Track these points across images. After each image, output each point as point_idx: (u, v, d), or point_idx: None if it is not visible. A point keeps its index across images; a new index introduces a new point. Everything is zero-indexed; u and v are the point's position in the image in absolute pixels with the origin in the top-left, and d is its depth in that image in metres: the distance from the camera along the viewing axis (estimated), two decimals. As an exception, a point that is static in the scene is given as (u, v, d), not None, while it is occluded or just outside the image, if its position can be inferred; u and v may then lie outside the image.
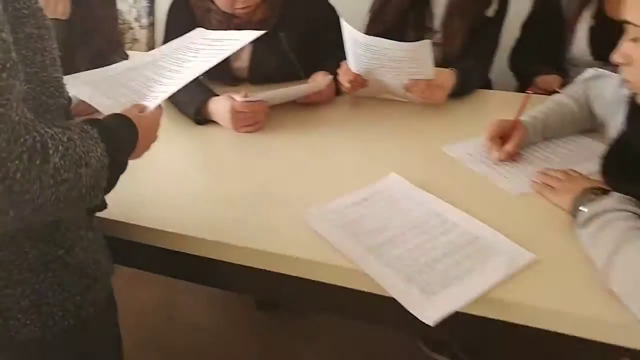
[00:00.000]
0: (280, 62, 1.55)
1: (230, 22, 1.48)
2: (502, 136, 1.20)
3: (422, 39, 1.39)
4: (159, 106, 0.91)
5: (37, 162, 0.61)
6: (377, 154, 1.25)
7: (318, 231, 0.95)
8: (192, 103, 1.38)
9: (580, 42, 1.70)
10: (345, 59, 1.46)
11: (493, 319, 0.83)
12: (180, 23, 1.52)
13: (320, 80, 1.48)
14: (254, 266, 0.95)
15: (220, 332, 1.94)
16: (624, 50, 0.91)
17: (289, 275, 0.93)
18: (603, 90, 1.22)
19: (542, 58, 1.76)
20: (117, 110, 0.85)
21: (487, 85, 1.78)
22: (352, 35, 1.37)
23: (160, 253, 1.01)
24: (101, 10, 1.50)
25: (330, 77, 1.49)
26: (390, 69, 1.39)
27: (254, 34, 1.00)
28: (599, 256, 0.83)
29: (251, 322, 1.99)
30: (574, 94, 1.30)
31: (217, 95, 1.39)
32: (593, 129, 1.29)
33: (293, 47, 1.54)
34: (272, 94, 1.39)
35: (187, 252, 0.99)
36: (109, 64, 1.03)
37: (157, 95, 0.92)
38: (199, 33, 1.05)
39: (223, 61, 0.96)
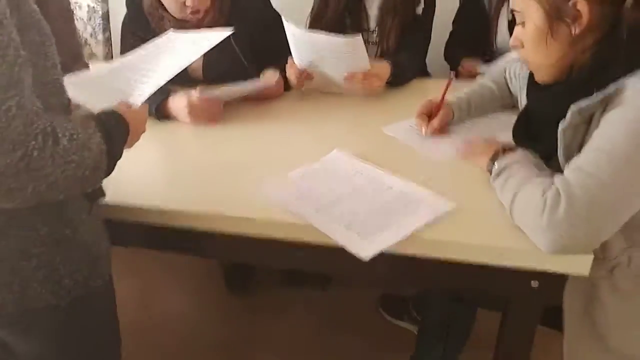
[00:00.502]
0: (232, 62, 1.65)
1: (182, 27, 1.56)
2: (430, 114, 1.36)
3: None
4: (144, 103, 1.03)
5: (50, 142, 0.71)
6: (324, 137, 1.38)
7: (275, 199, 1.08)
8: (152, 102, 1.46)
9: (502, 34, 1.90)
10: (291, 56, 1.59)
11: (422, 257, 0.98)
12: (136, 31, 1.63)
13: (269, 76, 1.61)
14: (224, 231, 1.07)
15: (195, 316, 2.06)
16: (515, 34, 1.05)
17: (252, 237, 1.06)
18: (515, 71, 1.39)
19: (471, 49, 1.95)
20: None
21: (426, 77, 1.95)
22: (294, 32, 1.50)
23: (142, 229, 1.12)
24: (60, 23, 1.60)
25: (278, 73, 1.62)
26: (331, 62, 1.52)
27: (222, 34, 1.12)
28: (506, 199, 0.98)
29: (225, 305, 2.12)
30: (493, 76, 1.48)
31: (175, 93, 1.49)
32: (514, 106, 1.45)
33: (242, 47, 1.65)
34: (225, 91, 1.50)
35: (167, 225, 1.10)
36: None
37: (140, 94, 1.03)
38: (171, 36, 1.13)
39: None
